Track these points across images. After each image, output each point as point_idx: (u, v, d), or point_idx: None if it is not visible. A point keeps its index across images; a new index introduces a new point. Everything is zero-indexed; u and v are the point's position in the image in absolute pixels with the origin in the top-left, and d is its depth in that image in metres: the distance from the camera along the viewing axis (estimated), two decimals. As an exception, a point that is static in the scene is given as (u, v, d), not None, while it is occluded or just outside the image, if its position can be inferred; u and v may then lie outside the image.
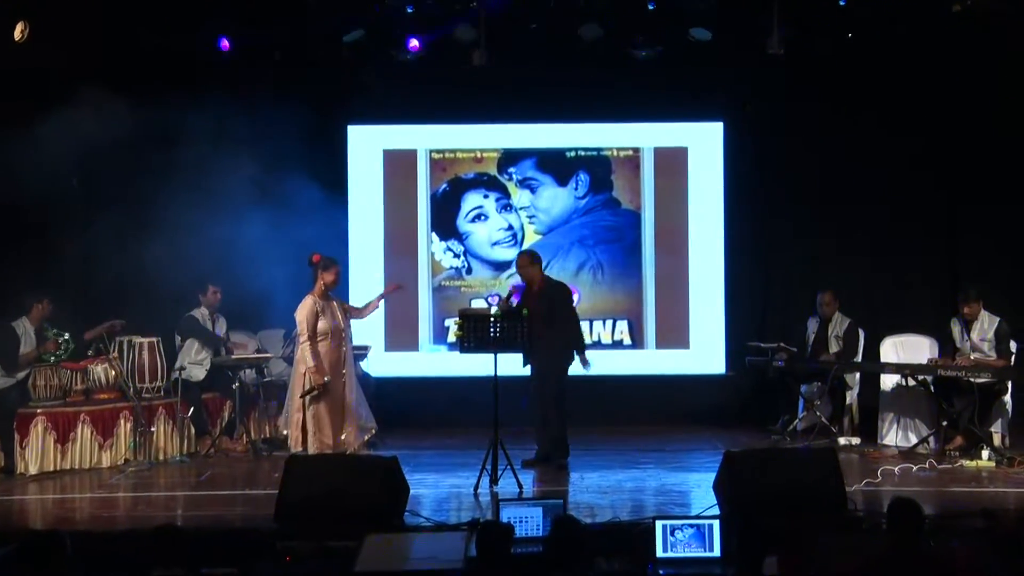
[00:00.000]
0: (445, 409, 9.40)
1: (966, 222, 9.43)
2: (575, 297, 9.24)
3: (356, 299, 9.51)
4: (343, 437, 7.14)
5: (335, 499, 5.70)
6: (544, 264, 9.68)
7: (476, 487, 6.80)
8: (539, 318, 7.53)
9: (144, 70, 8.70)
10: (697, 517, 5.44)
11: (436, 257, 9.83)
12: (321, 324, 7.14)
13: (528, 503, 5.57)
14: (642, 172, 9.81)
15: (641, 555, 5.18)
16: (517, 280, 9.54)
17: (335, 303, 7.36)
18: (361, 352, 8.71)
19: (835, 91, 9.37)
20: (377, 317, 9.64)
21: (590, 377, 9.15)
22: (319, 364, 7.03)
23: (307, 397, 7.05)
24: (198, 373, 8.37)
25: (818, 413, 8.57)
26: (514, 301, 7.63)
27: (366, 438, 7.52)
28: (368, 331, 9.27)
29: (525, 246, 9.77)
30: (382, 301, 7.56)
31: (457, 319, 7.32)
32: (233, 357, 8.47)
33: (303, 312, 7.12)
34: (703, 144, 9.81)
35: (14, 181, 7.70)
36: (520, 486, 6.79)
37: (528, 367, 7.67)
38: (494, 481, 6.84)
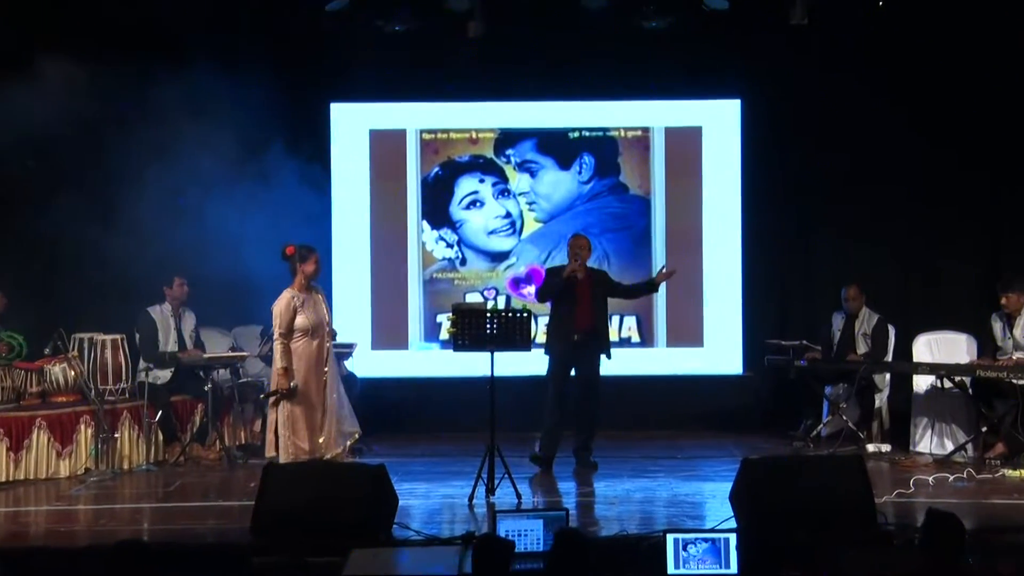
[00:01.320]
0: (437, 412, 9.38)
1: (1009, 208, 9.37)
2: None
3: (340, 293, 9.53)
4: (320, 441, 7.12)
5: (317, 511, 5.68)
6: (546, 255, 9.71)
7: (471, 497, 6.78)
8: (590, 308, 7.60)
9: (106, 40, 8.64)
10: (712, 530, 5.41)
11: (427, 247, 9.79)
12: (299, 320, 7.12)
13: (528, 515, 5.55)
14: (652, 154, 9.78)
15: (651, 571, 5.15)
16: (515, 272, 9.55)
17: (318, 295, 7.32)
18: (346, 350, 8.68)
19: (864, 65, 9.32)
20: (363, 312, 9.66)
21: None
22: (288, 366, 7.02)
23: (280, 398, 7.03)
24: (166, 374, 8.33)
25: (844, 417, 8.56)
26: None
27: (349, 444, 7.49)
28: (353, 328, 9.25)
29: (525, 235, 9.75)
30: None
31: (450, 314, 7.30)
32: (205, 356, 8.42)
33: (278, 307, 7.12)
34: (719, 123, 9.78)
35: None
36: (519, 496, 6.78)
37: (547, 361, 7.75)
38: (491, 491, 6.83)
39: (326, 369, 7.25)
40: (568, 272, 7.68)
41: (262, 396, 7.13)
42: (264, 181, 8.57)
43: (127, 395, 8.21)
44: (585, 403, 7.77)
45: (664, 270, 8.00)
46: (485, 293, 9.69)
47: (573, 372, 7.79)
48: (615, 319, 9.66)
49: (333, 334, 7.50)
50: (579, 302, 7.67)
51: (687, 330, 9.71)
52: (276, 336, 7.10)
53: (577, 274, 7.69)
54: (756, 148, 9.69)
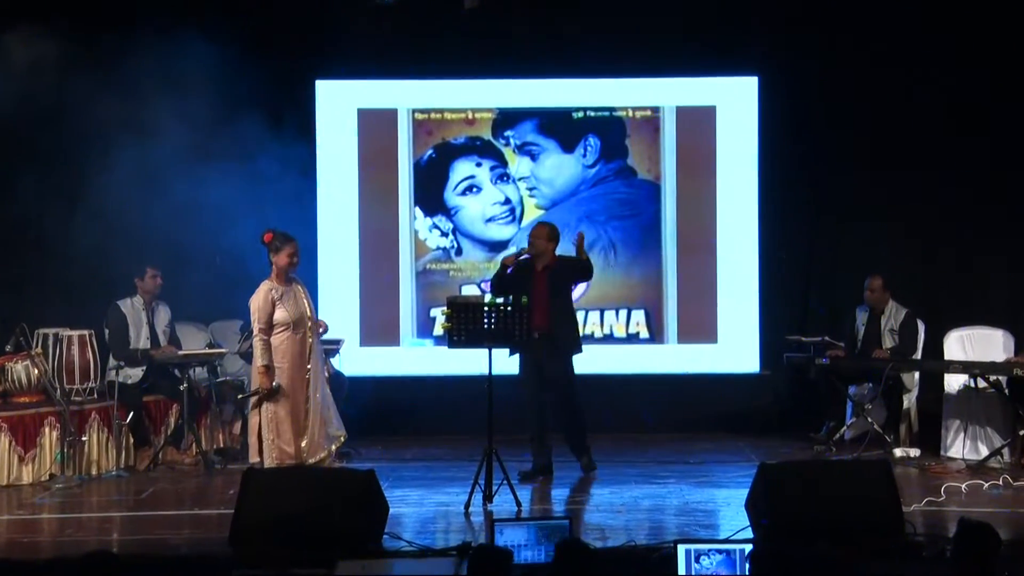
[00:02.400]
0: (431, 414, 9.38)
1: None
2: (583, 285, 9.17)
3: (326, 286, 9.51)
4: (303, 444, 7.12)
5: (301, 520, 5.67)
6: (552, 244, 9.67)
7: (467, 505, 6.78)
8: (546, 304, 7.50)
9: (72, 9, 8.60)
10: (726, 541, 5.44)
11: (420, 236, 9.77)
12: (279, 313, 7.13)
13: (528, 524, 5.55)
14: (662, 136, 9.75)
15: (661, 585, 5.15)
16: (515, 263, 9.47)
17: (299, 287, 7.32)
18: (332, 347, 8.66)
19: (894, 38, 9.28)
20: (351, 306, 9.64)
21: (599, 376, 9.12)
22: (269, 364, 7.03)
23: (261, 399, 7.02)
24: (138, 372, 8.30)
25: (870, 419, 8.55)
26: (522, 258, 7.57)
27: (334, 447, 7.48)
28: (340, 323, 9.21)
29: (525, 222, 9.70)
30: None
31: (445, 308, 7.28)
32: (180, 353, 8.40)
33: (256, 300, 7.14)
34: (734, 103, 9.74)
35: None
36: (519, 504, 6.79)
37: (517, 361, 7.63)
38: (488, 498, 6.83)
39: (309, 366, 7.25)
40: (504, 261, 7.57)
41: (240, 396, 7.11)
42: (244, 164, 8.54)
43: (95, 395, 8.17)
44: (560, 407, 7.70)
45: (580, 235, 7.77)
46: (482, 285, 9.64)
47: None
48: (622, 313, 9.65)
49: (324, 327, 7.50)
50: (533, 297, 7.47)
51: (700, 325, 9.68)
52: (256, 332, 7.11)
53: (509, 266, 7.52)
54: (775, 129, 9.63)
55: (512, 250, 7.84)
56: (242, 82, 8.53)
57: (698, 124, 9.73)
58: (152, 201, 8.57)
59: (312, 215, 9.56)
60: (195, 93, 8.28)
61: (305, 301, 7.32)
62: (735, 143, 9.71)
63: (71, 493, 7.49)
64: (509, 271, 7.58)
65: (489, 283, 7.77)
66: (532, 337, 7.42)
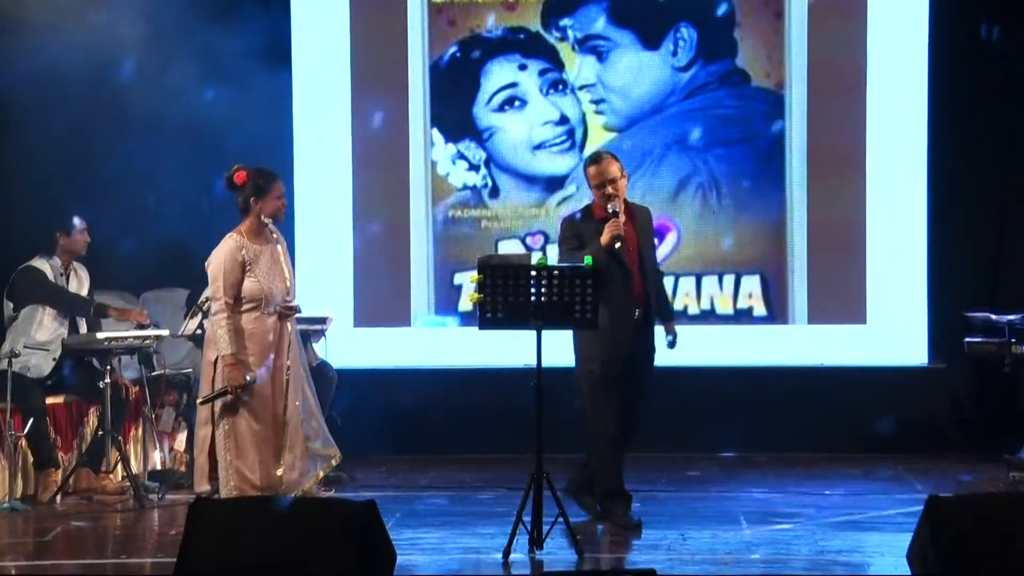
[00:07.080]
0: (454, 423, 9.42)
1: None
2: (673, 237, 9.10)
3: (305, 242, 9.51)
4: (279, 472, 7.13)
5: (270, 571, 5.68)
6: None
7: (507, 552, 6.76)
8: (636, 261, 7.43)
9: None
10: (882, 605, 5.40)
11: (440, 170, 9.80)
12: (249, 283, 7.09)
13: (594, 579, 5.55)
14: (787, 26, 9.71)
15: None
16: (574, 208, 9.48)
17: (278, 247, 7.27)
18: (316, 327, 8.71)
19: None
20: (341, 272, 9.66)
21: (696, 370, 9.10)
22: (240, 349, 7.01)
23: (217, 404, 7.03)
24: (42, 363, 8.35)
25: (1089, 434, 8.51)
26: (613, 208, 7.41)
27: (322, 472, 7.50)
28: (327, 295, 9.30)
29: (588, 149, 9.67)
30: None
31: (475, 273, 7.26)
32: (100, 336, 8.42)
33: (218, 260, 7.06)
34: (893, -24, 9.72)
35: None
36: (579, 552, 6.78)
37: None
38: (537, 543, 6.82)
39: (288, 362, 7.24)
40: (607, 239, 7.32)
41: (200, 400, 7.08)
42: (189, 66, 8.61)
43: (-17, 395, 8.27)
44: (636, 405, 7.59)
45: None
46: (528, 240, 9.66)
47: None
48: (728, 280, 9.63)
49: (296, 309, 7.49)
50: (632, 261, 7.36)
51: (841, 298, 9.69)
52: (217, 308, 7.06)
53: (621, 237, 7.34)
54: (955, 17, 9.58)
55: (616, 216, 7.41)
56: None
57: (840, 9, 9.70)
58: (56, 120, 8.58)
59: (287, 140, 9.62)
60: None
61: (285, 267, 7.25)
62: (894, 36, 9.67)
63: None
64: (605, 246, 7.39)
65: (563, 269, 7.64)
66: (634, 317, 7.32)
